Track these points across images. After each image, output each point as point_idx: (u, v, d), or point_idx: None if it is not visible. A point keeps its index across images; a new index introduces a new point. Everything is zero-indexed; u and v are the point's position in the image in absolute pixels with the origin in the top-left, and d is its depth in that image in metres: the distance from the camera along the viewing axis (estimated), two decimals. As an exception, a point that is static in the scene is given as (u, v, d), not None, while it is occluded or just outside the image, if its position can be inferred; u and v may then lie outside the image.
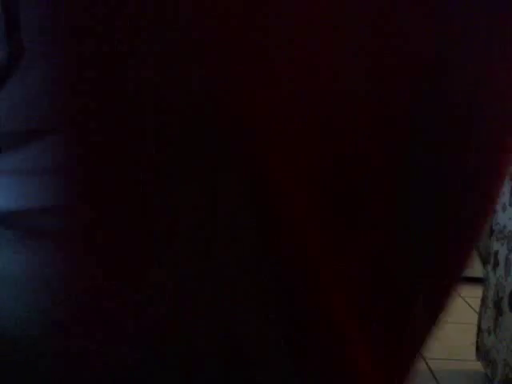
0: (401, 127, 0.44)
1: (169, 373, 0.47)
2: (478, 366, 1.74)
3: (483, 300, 1.69)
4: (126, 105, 0.37)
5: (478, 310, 1.75)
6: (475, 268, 2.60)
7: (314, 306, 0.51)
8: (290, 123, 0.40)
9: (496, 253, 1.59)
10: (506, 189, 1.56)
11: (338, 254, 0.51)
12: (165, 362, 0.47)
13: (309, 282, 0.48)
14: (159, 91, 0.38)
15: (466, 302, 2.54)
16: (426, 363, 1.80)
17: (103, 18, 0.38)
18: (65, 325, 0.43)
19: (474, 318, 1.81)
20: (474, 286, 2.69)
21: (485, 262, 1.73)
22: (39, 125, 0.40)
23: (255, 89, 0.38)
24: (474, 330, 1.75)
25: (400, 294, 0.61)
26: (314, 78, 0.40)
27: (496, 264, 1.58)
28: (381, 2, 0.43)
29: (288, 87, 0.39)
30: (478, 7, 0.50)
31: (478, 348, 1.72)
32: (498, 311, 1.52)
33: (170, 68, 0.37)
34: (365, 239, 0.51)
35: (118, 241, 0.41)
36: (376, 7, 0.43)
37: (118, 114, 0.37)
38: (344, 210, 0.47)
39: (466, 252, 0.66)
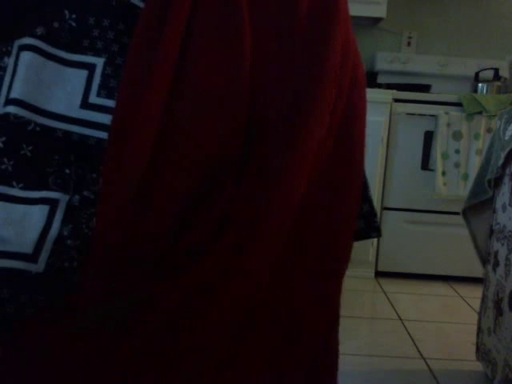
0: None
1: None
2: (478, 366, 1.74)
3: (483, 300, 1.69)
4: None
5: (478, 309, 1.75)
6: (475, 268, 2.60)
7: None
8: None
9: (496, 253, 1.59)
10: (505, 189, 1.56)
11: None
12: None
13: None
14: None
15: (466, 302, 2.54)
16: (426, 363, 1.80)
17: None
18: None
19: (474, 318, 1.81)
20: (474, 286, 2.69)
21: (485, 262, 1.73)
22: None
23: None
24: (474, 329, 1.75)
25: None
26: None
27: (496, 264, 1.58)
28: None
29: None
30: None
31: (477, 348, 1.71)
32: (498, 311, 1.51)
33: None
34: None
35: None
36: None
37: None
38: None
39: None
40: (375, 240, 2.80)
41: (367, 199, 1.06)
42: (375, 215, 1.09)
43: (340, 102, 0.91)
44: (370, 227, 1.08)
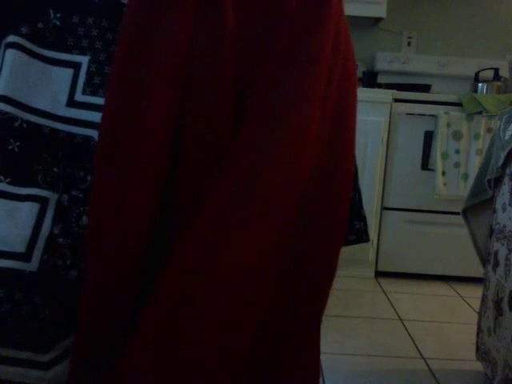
0: None
1: None
2: (478, 366, 1.74)
3: (483, 300, 1.69)
4: None
5: (478, 309, 1.75)
6: (475, 268, 2.60)
7: None
8: None
9: (496, 253, 1.59)
10: (505, 189, 1.56)
11: None
12: None
13: None
14: None
15: (466, 301, 2.54)
16: (426, 363, 1.80)
17: None
18: None
19: (474, 318, 1.81)
20: (474, 286, 2.69)
21: (485, 262, 1.73)
22: None
23: None
24: (474, 329, 1.75)
25: None
26: None
27: (496, 264, 1.58)
28: None
29: None
30: None
31: (477, 348, 1.71)
32: (498, 311, 1.51)
33: None
34: None
35: None
36: None
37: None
38: None
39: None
40: (375, 240, 2.80)
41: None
42: (355, 218, 1.06)
43: (330, 91, 0.90)
44: (347, 229, 1.05)
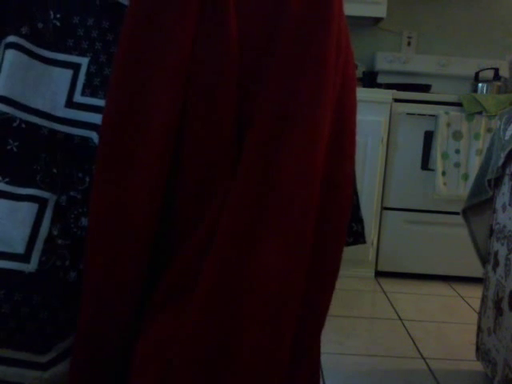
0: None
1: None
2: (478, 366, 1.74)
3: (483, 300, 1.69)
4: None
5: (478, 309, 1.75)
6: (475, 268, 2.59)
7: None
8: None
9: (496, 253, 1.59)
10: (505, 189, 1.56)
11: None
12: None
13: None
14: None
15: (466, 302, 2.54)
16: (426, 363, 1.80)
17: None
18: None
19: (474, 318, 1.81)
20: (474, 286, 2.69)
21: (485, 262, 1.73)
22: None
23: None
24: (474, 329, 1.75)
25: None
26: None
27: (496, 264, 1.58)
28: None
29: None
30: None
31: (478, 348, 1.71)
32: (498, 311, 1.51)
33: None
34: None
35: None
36: None
37: None
38: None
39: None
40: (375, 240, 2.80)
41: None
42: (354, 220, 1.06)
43: (333, 92, 0.89)
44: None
